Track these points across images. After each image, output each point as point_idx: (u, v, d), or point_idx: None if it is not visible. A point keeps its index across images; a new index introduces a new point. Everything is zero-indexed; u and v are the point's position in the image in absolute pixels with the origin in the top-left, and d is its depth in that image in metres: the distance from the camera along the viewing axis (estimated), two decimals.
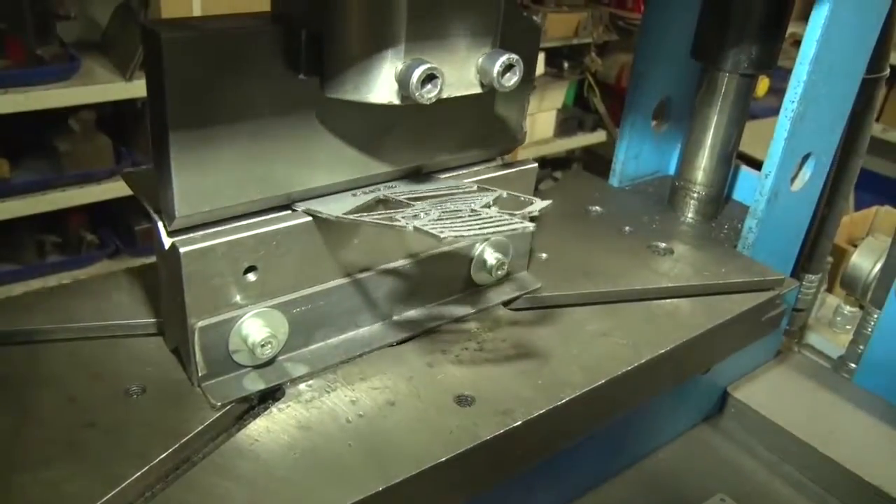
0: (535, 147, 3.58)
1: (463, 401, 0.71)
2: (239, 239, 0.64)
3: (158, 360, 0.71)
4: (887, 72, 1.08)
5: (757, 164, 1.04)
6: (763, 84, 3.64)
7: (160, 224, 0.64)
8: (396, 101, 0.61)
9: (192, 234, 0.63)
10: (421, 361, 0.76)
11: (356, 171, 0.72)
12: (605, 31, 3.58)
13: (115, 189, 2.51)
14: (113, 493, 0.57)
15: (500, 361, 0.77)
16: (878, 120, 3.37)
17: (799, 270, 1.21)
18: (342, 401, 0.70)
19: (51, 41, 2.31)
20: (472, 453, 0.66)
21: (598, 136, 3.74)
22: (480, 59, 0.66)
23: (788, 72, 0.91)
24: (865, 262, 1.28)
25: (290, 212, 0.69)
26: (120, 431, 0.63)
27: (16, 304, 0.78)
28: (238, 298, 0.66)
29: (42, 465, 0.59)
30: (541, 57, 3.42)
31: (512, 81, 0.66)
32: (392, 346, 0.77)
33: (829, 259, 1.30)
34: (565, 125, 3.69)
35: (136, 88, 2.42)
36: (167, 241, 0.63)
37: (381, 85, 0.60)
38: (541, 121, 3.64)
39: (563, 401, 0.72)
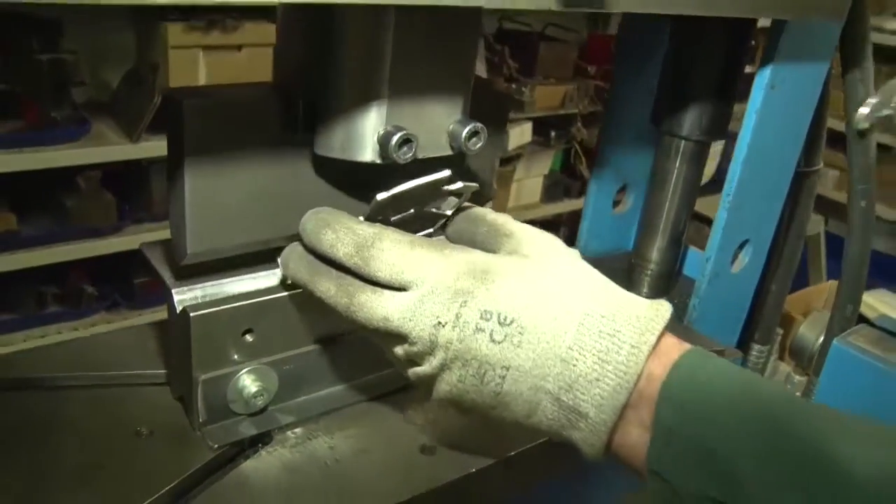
0: (522, 211, 3.71)
1: (426, 450, 0.81)
2: (241, 306, 0.75)
3: (165, 406, 0.81)
4: (821, 165, 1.21)
5: None
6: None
7: (174, 292, 0.75)
8: (378, 161, 0.72)
9: (200, 301, 0.75)
10: (393, 415, 0.86)
11: None
12: (591, 103, 3.74)
13: (118, 244, 2.62)
14: None
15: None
16: None
17: (749, 341, 1.33)
18: (322, 447, 0.80)
19: (65, 105, 2.44)
20: (431, 494, 0.76)
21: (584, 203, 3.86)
22: (451, 126, 0.77)
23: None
24: (811, 333, 1.39)
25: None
26: (128, 468, 0.73)
27: (38, 353, 0.89)
28: (236, 356, 0.77)
29: (54, 499, 0.69)
30: (529, 126, 3.58)
31: (478, 146, 0.77)
32: (368, 400, 0.88)
33: (780, 330, 1.41)
34: (551, 191, 3.83)
35: (142, 150, 2.55)
36: (179, 307, 0.74)
37: (365, 146, 0.72)
38: (528, 186, 3.78)
39: (515, 452, 0.83)
